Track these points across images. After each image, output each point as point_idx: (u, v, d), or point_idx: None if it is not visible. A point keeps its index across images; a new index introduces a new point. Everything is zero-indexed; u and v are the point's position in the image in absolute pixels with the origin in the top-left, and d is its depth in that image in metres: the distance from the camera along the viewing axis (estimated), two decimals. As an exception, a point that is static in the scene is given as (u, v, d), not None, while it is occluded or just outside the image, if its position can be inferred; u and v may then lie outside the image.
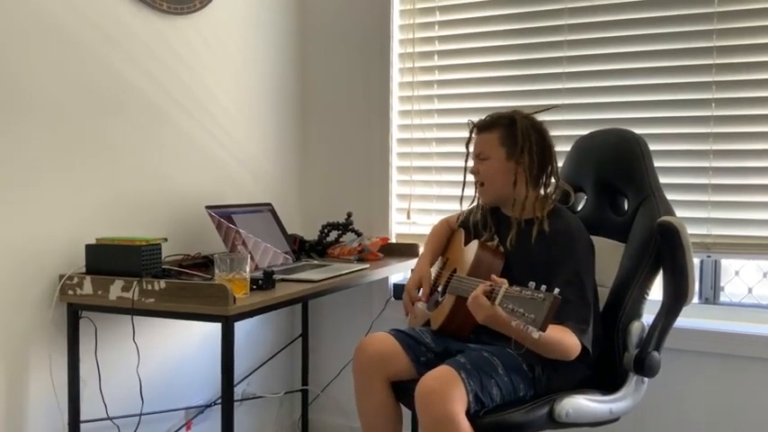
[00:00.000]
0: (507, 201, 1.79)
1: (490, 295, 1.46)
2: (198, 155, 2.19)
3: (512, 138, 1.73)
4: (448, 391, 1.49)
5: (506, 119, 1.75)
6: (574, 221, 1.73)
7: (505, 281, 1.46)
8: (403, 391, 1.78)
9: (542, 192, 1.76)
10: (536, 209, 1.73)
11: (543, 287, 1.36)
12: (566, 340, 1.54)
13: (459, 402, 1.49)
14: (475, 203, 1.89)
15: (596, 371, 1.72)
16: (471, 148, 1.82)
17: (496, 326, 1.48)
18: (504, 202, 1.82)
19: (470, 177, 1.84)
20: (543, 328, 1.32)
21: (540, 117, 1.78)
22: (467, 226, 1.96)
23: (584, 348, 1.57)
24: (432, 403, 1.50)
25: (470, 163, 1.82)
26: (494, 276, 1.50)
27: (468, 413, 1.51)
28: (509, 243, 1.74)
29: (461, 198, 1.90)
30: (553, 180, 1.77)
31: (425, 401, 1.51)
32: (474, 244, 1.80)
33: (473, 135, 1.82)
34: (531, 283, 1.39)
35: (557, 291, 1.34)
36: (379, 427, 1.79)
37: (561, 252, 1.66)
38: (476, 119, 1.83)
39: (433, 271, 1.99)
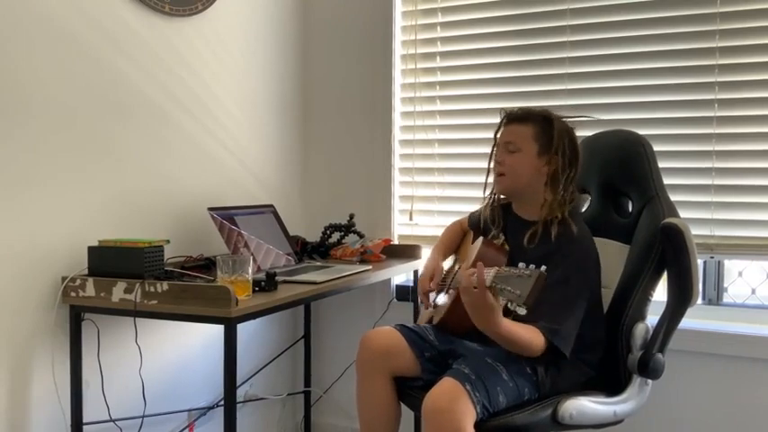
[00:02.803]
0: (523, 197, 1.77)
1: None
2: (200, 156, 2.19)
3: (547, 136, 1.70)
4: (456, 407, 1.48)
5: (541, 115, 1.73)
6: (580, 226, 1.71)
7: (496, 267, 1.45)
8: (405, 389, 1.78)
9: (563, 193, 1.71)
10: (554, 209, 1.70)
11: (532, 266, 1.36)
12: (528, 338, 1.53)
13: (468, 417, 1.48)
14: (488, 201, 1.87)
15: (600, 372, 1.72)
16: (499, 135, 1.77)
17: (481, 311, 1.45)
18: (518, 198, 1.79)
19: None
20: (528, 303, 1.34)
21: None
22: (475, 225, 1.95)
23: (557, 349, 1.56)
24: (441, 423, 1.48)
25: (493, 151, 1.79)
26: (480, 263, 1.47)
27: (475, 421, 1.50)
28: (527, 241, 1.70)
29: (485, 185, 1.85)
30: (573, 184, 1.73)
31: (434, 421, 1.49)
32: (479, 241, 1.80)
33: (502, 125, 1.77)
34: (521, 263, 1.39)
35: (543, 268, 1.34)
36: (378, 422, 1.79)
37: (558, 254, 1.64)
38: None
39: (445, 267, 1.99)
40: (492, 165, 1.80)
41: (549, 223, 1.69)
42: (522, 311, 1.35)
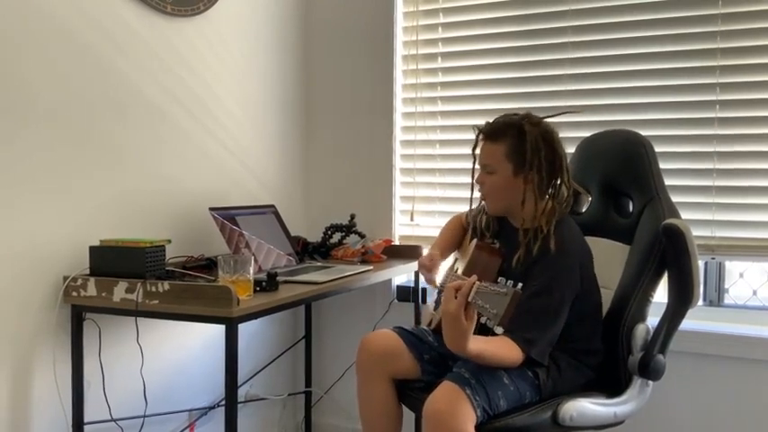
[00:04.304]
0: (513, 213, 1.74)
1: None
2: (201, 157, 2.20)
3: (520, 152, 1.64)
4: (456, 411, 1.48)
5: (515, 128, 1.65)
6: (569, 236, 1.66)
7: (475, 278, 1.41)
8: (405, 390, 1.78)
9: (550, 202, 1.68)
10: (541, 220, 1.66)
11: (510, 282, 1.35)
12: (500, 354, 1.52)
13: (468, 421, 1.48)
14: (482, 204, 1.87)
15: (601, 374, 1.72)
16: (477, 151, 1.74)
17: (453, 332, 1.43)
18: (510, 214, 1.76)
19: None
20: (503, 323, 1.33)
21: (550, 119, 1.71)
22: (473, 225, 1.95)
23: (533, 359, 1.56)
24: (442, 427, 1.47)
25: (475, 166, 1.77)
26: (463, 282, 1.44)
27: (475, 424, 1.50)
28: (516, 262, 1.66)
29: (471, 200, 1.85)
30: (563, 190, 1.69)
31: (435, 424, 1.49)
32: (472, 243, 1.80)
33: (479, 141, 1.73)
34: (500, 279, 1.38)
35: (519, 286, 1.33)
36: (381, 424, 1.79)
37: (538, 266, 1.62)
38: (480, 121, 1.78)
39: (444, 268, 1.98)
40: (475, 182, 1.77)
41: (534, 237, 1.65)
42: (498, 331, 1.35)
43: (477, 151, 1.75)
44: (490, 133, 1.69)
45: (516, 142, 1.65)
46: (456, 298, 1.40)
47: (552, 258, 1.61)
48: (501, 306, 1.33)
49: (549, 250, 1.61)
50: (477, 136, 1.73)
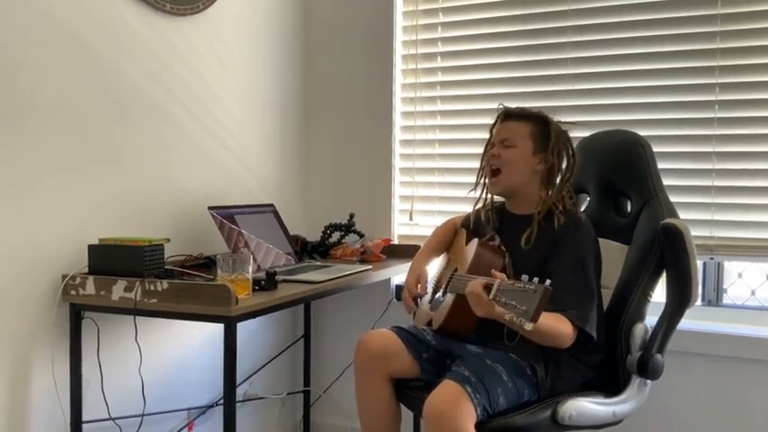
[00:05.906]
0: (518, 195, 1.77)
1: (488, 289, 1.45)
2: (201, 156, 2.20)
3: (544, 136, 1.73)
4: (457, 410, 1.48)
5: (539, 116, 1.75)
6: (583, 215, 1.73)
7: (504, 275, 1.45)
8: (404, 390, 1.78)
9: (558, 192, 1.74)
10: (549, 204, 1.71)
11: (536, 279, 1.35)
12: (559, 329, 1.54)
13: (468, 419, 1.48)
14: (479, 205, 1.87)
15: (599, 373, 1.72)
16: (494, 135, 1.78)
17: (495, 318, 1.46)
18: (514, 197, 1.79)
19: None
20: (535, 320, 1.33)
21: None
22: (468, 226, 1.95)
23: (588, 335, 1.58)
24: (442, 425, 1.48)
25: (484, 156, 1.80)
26: (493, 270, 1.49)
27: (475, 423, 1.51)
28: (524, 242, 1.70)
29: (476, 184, 1.85)
30: (567, 186, 1.75)
31: (436, 423, 1.49)
32: (474, 242, 1.80)
33: (498, 121, 1.79)
34: (523, 276, 1.38)
35: (548, 282, 1.34)
36: (379, 424, 1.79)
37: (568, 238, 1.66)
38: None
39: (436, 270, 1.98)
40: (485, 162, 1.80)
41: (549, 216, 1.70)
42: (528, 327, 1.34)
43: (494, 131, 1.79)
44: (516, 113, 1.77)
45: (541, 126, 1.74)
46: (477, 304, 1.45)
47: (581, 233, 1.67)
48: (531, 303, 1.33)
49: (578, 221, 1.68)
50: (499, 116, 1.79)
